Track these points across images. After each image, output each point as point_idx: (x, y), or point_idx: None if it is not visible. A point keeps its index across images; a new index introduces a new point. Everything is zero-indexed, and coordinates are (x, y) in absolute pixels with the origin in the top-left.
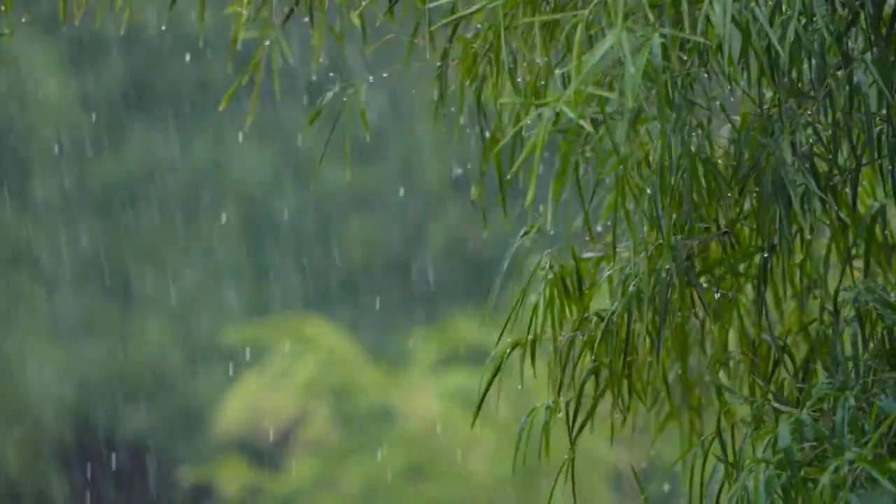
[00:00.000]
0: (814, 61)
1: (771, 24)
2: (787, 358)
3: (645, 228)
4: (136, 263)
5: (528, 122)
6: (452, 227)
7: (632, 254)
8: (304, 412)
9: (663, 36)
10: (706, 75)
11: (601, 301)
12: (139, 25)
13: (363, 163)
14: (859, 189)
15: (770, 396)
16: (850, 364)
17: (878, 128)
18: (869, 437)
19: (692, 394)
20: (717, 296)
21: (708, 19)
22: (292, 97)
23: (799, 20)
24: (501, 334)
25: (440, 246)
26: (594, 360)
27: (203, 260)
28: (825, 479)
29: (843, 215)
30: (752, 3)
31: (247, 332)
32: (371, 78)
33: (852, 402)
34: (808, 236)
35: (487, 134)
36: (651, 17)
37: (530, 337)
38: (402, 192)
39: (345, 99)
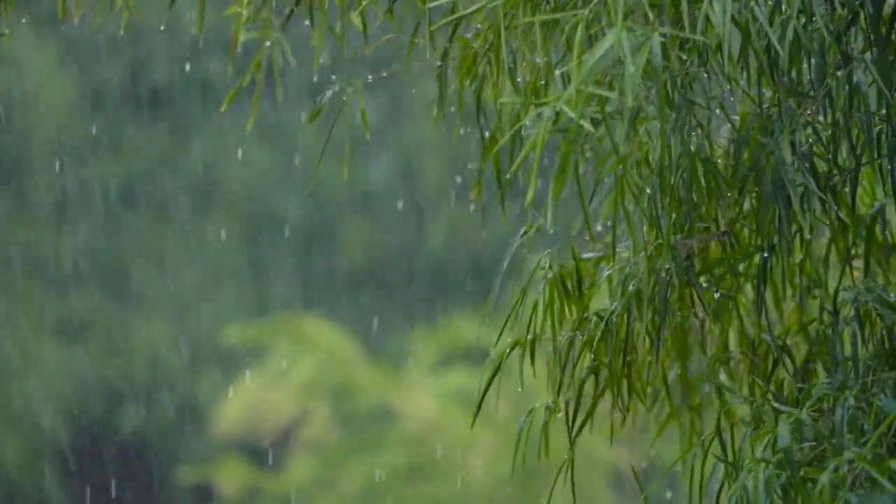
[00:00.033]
0: (813, 61)
1: (770, 24)
2: (786, 358)
3: (644, 228)
4: (135, 263)
5: (528, 121)
6: (452, 227)
7: (631, 254)
8: (304, 412)
9: (663, 35)
10: (706, 75)
11: (601, 301)
12: (139, 26)
13: (363, 162)
14: (859, 189)
15: (770, 396)
16: (850, 364)
17: (878, 127)
18: (868, 437)
19: (692, 394)
20: (716, 296)
21: (707, 19)
22: (292, 97)
23: (798, 20)
24: (501, 334)
25: (440, 246)
26: (594, 360)
27: (203, 260)
28: (824, 478)
29: (842, 215)
30: (752, 3)
31: (247, 332)
32: (370, 78)
33: (852, 401)
34: (807, 236)
35: (487, 134)
36: (651, 16)
37: (530, 337)
38: (401, 192)
39: (344, 98)
